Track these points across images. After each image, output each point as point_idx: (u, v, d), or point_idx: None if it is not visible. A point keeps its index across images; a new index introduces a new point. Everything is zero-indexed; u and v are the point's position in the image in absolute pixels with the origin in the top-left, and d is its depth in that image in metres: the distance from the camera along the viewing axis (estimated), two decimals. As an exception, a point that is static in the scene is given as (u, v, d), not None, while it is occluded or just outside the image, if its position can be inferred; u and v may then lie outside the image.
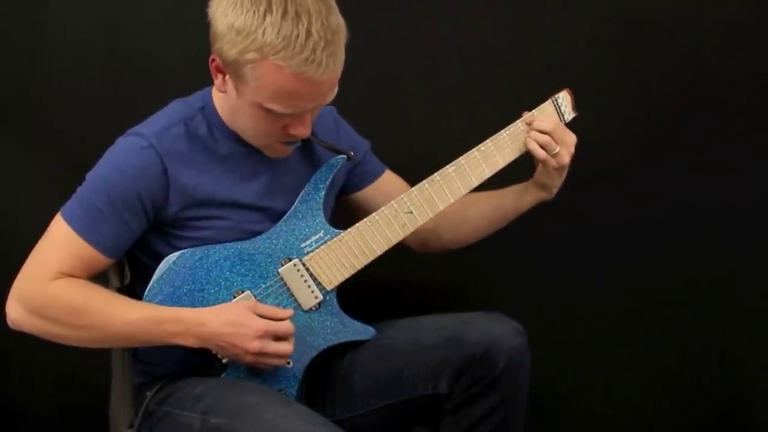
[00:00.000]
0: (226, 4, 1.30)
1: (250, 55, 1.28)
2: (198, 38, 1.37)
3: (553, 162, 1.49)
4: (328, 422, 1.33)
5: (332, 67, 1.30)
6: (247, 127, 1.41)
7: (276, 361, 1.40)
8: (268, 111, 1.33)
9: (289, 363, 1.46)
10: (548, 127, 1.49)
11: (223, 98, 1.41)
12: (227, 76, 1.35)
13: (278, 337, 1.39)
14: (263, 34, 1.26)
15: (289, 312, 1.42)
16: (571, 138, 1.51)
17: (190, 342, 1.36)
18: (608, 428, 2.07)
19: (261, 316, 1.38)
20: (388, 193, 1.57)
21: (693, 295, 2.00)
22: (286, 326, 1.39)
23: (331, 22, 1.29)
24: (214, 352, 1.41)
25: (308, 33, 1.26)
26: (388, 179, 1.64)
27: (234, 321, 1.36)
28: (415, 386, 1.50)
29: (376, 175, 1.63)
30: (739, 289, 2.00)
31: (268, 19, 1.26)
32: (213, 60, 1.36)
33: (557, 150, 1.49)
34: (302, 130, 1.37)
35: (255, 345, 1.36)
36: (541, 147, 1.49)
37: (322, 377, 1.56)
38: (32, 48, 1.85)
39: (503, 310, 1.53)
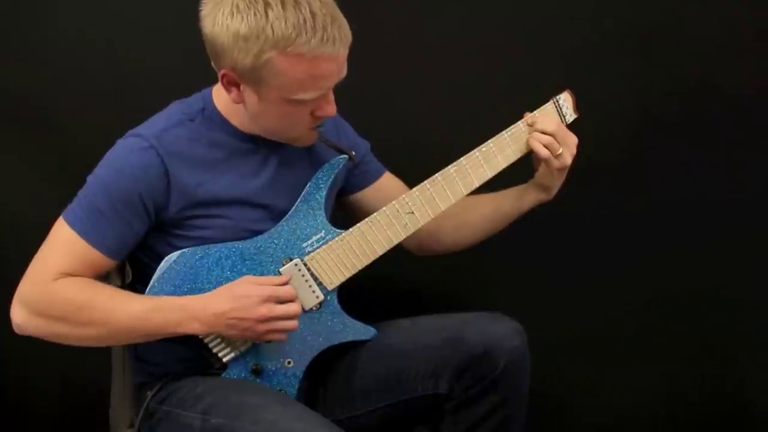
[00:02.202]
0: (221, 17, 1.30)
1: (267, 55, 1.29)
2: (197, 40, 1.37)
3: (556, 162, 1.49)
4: (328, 422, 1.34)
5: (345, 38, 1.32)
6: (277, 126, 1.42)
7: (288, 324, 1.40)
8: (297, 102, 1.35)
9: (289, 363, 1.46)
10: (550, 127, 1.49)
11: (226, 98, 1.41)
12: (242, 86, 1.36)
13: (282, 302, 1.39)
14: (273, 31, 1.27)
15: (287, 277, 1.43)
16: (573, 139, 1.51)
17: (196, 328, 1.36)
18: (608, 428, 2.08)
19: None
20: (387, 195, 1.56)
21: (693, 294, 2.00)
22: (288, 289, 1.40)
23: None
24: (219, 341, 1.41)
25: (313, 14, 1.28)
26: (388, 181, 1.64)
27: (236, 295, 1.36)
28: (415, 386, 1.50)
29: (375, 177, 1.63)
30: (739, 289, 2.00)
31: (270, 14, 1.27)
32: (224, 75, 1.35)
33: (560, 151, 1.49)
34: (329, 109, 1.39)
35: (263, 311, 1.36)
36: (545, 147, 1.49)
37: (323, 377, 1.56)
38: (32, 50, 1.85)
39: (503, 310, 1.53)
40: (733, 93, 1.92)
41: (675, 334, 2.02)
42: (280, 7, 1.27)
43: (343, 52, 1.33)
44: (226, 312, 1.36)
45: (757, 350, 2.02)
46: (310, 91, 1.34)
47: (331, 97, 1.39)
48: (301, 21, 1.27)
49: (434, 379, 1.49)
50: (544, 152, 1.49)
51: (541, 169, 1.53)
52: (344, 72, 1.37)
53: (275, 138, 1.45)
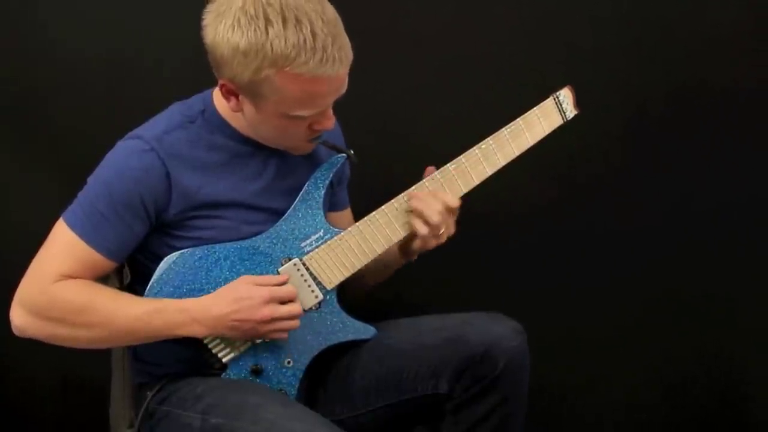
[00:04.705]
0: (222, 29, 1.29)
1: (265, 72, 1.28)
2: (198, 41, 1.37)
3: (432, 242, 1.48)
4: (328, 422, 1.34)
5: (345, 59, 1.31)
6: (274, 136, 1.42)
7: (290, 324, 1.41)
8: (295, 117, 1.34)
9: (289, 362, 1.46)
10: (449, 204, 1.46)
11: (227, 103, 1.41)
12: (241, 97, 1.36)
13: (284, 302, 1.40)
14: (272, 49, 1.26)
15: (285, 276, 1.43)
16: (453, 220, 1.48)
17: (198, 331, 1.36)
18: (608, 428, 2.08)
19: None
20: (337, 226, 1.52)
21: (693, 295, 2.00)
22: (288, 289, 1.41)
23: (328, 16, 1.29)
24: (219, 341, 1.41)
25: (314, 34, 1.27)
26: (346, 216, 1.63)
27: (237, 296, 1.37)
28: (415, 386, 1.50)
29: (342, 206, 1.63)
30: (738, 290, 2.00)
31: (271, 32, 1.26)
32: (223, 85, 1.35)
33: (442, 230, 1.47)
34: (328, 123, 1.39)
35: (265, 312, 1.37)
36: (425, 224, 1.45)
37: (323, 377, 1.56)
38: (32, 51, 1.85)
39: (503, 310, 1.53)
40: (732, 91, 1.92)
41: (674, 333, 2.02)
42: (281, 25, 1.26)
43: (343, 71, 1.32)
44: (228, 314, 1.36)
45: (756, 347, 2.02)
46: (307, 109, 1.34)
47: (330, 112, 1.39)
48: (301, 41, 1.26)
49: (434, 379, 1.49)
50: (423, 229, 1.45)
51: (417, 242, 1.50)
52: (344, 89, 1.36)
53: (274, 146, 1.45)
